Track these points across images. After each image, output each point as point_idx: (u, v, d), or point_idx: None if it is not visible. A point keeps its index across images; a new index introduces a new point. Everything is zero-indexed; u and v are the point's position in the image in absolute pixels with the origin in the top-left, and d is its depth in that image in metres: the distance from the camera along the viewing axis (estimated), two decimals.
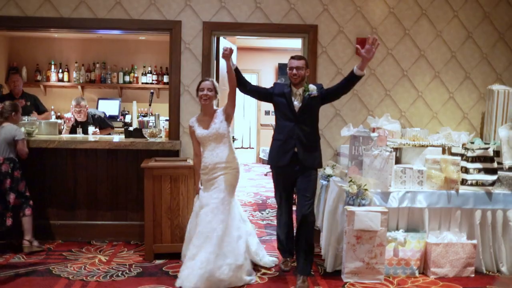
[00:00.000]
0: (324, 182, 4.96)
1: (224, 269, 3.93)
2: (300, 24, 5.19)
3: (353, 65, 5.06)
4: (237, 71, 4.21)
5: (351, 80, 4.11)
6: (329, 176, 4.88)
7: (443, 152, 4.80)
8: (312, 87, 4.16)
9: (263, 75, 11.55)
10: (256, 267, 4.42)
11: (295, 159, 4.16)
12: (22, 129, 5.09)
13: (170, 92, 5.22)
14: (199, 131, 4.24)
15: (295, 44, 6.88)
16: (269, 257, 4.59)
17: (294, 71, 4.12)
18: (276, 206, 4.62)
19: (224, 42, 5.66)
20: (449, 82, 5.40)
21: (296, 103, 4.17)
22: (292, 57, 4.18)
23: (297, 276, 4.16)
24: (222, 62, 5.58)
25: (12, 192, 4.70)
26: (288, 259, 4.56)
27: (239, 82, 4.24)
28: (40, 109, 6.50)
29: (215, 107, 4.32)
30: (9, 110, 4.89)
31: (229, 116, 4.25)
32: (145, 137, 5.23)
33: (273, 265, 4.54)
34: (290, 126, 4.17)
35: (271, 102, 4.34)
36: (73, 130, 6.10)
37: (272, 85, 4.41)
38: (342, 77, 5.13)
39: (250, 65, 11.01)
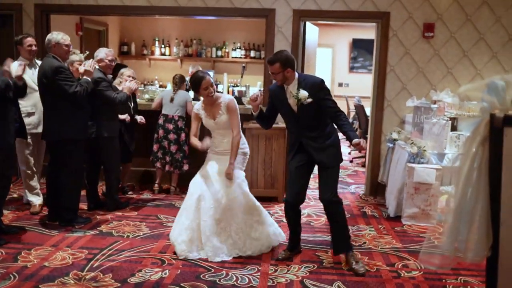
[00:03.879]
0: (390, 145, 5.96)
1: None
2: (375, 11, 6.13)
3: (420, 47, 6.12)
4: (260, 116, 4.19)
5: (342, 132, 3.96)
6: (395, 140, 5.87)
7: None
8: (303, 94, 3.89)
9: (338, 49, 12.36)
10: None
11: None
12: (146, 95, 6.44)
13: (265, 67, 6.34)
14: (206, 120, 4.38)
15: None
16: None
17: (272, 76, 3.98)
18: None
19: (309, 26, 6.71)
20: (505, 62, 6.17)
21: (291, 101, 4.00)
22: (267, 61, 4.02)
23: (346, 256, 4.14)
24: (308, 43, 6.69)
25: (187, 144, 6.02)
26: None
27: (264, 125, 4.30)
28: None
29: (217, 94, 4.39)
30: (179, 81, 6.23)
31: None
32: (243, 104, 6.42)
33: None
34: (295, 130, 4.08)
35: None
36: None
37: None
38: (410, 57, 6.15)
39: (325, 40, 11.71)
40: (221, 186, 4.24)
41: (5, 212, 4.98)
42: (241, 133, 4.43)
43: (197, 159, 6.32)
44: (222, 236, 4.23)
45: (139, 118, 5.97)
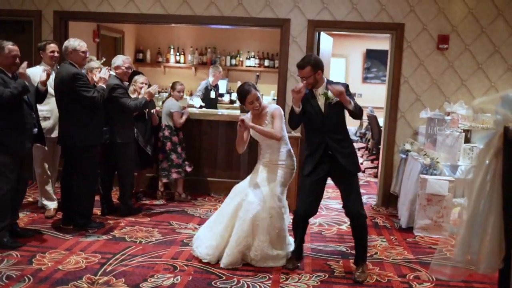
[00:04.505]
0: (403, 156, 5.96)
1: None
2: (389, 23, 6.15)
3: (434, 58, 6.13)
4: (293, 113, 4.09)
5: (349, 113, 4.01)
6: (408, 151, 5.86)
7: None
8: (332, 94, 3.95)
9: (351, 59, 12.38)
10: None
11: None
12: (161, 102, 6.51)
13: (279, 77, 6.40)
14: (253, 131, 4.34)
15: None
16: None
17: (304, 80, 4.01)
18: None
19: (323, 36, 6.75)
20: None
21: (320, 103, 4.04)
22: (297, 66, 4.05)
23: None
24: (322, 53, 6.72)
25: (174, 152, 6.06)
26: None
27: (295, 124, 4.20)
28: None
29: (264, 104, 4.36)
30: (171, 89, 6.24)
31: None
32: None
33: None
34: (321, 132, 4.04)
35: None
36: None
37: None
38: (423, 68, 6.16)
39: (338, 50, 11.69)
40: (260, 199, 4.22)
41: (20, 215, 5.05)
42: (289, 145, 4.40)
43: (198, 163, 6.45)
44: (243, 250, 4.21)
45: (154, 111, 6.04)
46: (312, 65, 3.95)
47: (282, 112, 4.36)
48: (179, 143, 6.10)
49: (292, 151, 4.45)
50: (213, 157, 6.65)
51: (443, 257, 2.49)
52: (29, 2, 6.58)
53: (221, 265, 4.16)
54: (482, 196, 2.05)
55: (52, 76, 5.04)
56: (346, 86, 4.04)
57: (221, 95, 9.40)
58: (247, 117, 4.28)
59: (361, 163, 9.23)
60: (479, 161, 2.09)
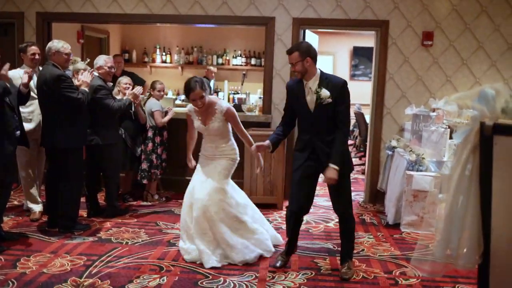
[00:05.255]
0: (390, 152, 5.97)
1: None
2: (374, 20, 6.16)
3: (419, 55, 6.16)
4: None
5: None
6: (394, 147, 5.87)
7: None
8: (325, 93, 3.70)
9: (339, 57, 12.38)
10: None
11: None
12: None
13: (264, 75, 6.38)
14: (197, 123, 4.32)
15: None
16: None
17: (292, 67, 3.84)
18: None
19: (309, 33, 6.75)
20: (504, 70, 6.18)
21: (309, 98, 3.79)
22: (286, 52, 3.85)
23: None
24: None
25: (154, 153, 6.00)
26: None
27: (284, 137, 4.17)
28: (137, 82, 7.71)
29: (212, 100, 4.31)
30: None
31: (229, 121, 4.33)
32: (243, 111, 6.45)
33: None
34: (309, 132, 3.86)
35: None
36: None
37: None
38: (409, 65, 6.18)
39: (325, 47, 11.63)
40: (206, 194, 4.22)
41: (5, 219, 5.01)
42: (232, 139, 4.43)
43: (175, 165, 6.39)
44: (211, 245, 4.22)
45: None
46: (301, 51, 3.71)
47: (235, 110, 4.36)
48: (161, 144, 6.05)
49: (234, 143, 4.43)
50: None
51: (423, 253, 2.50)
52: (10, 4, 6.50)
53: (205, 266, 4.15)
54: (460, 191, 2.06)
55: (35, 78, 4.99)
56: (344, 83, 3.77)
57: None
58: (192, 108, 4.30)
59: None
60: (457, 157, 2.11)
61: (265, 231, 4.52)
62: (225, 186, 4.30)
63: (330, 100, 3.68)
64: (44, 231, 4.93)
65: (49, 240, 4.68)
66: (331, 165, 3.70)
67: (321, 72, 3.84)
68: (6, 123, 4.35)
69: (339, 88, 3.72)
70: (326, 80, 3.76)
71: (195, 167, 4.51)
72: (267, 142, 3.97)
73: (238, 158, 4.45)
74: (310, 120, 3.82)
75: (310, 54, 3.73)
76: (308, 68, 3.74)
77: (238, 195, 4.47)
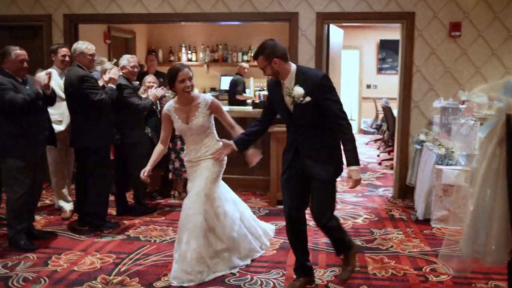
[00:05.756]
0: (418, 147, 5.87)
1: None
2: (399, 12, 6.05)
3: (446, 46, 6.02)
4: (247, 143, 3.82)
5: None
6: (423, 141, 5.77)
7: None
8: (297, 92, 3.32)
9: (365, 51, 12.25)
10: None
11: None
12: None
13: None
14: (178, 124, 3.96)
15: None
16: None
17: (263, 73, 3.47)
18: None
19: (333, 28, 6.67)
20: None
21: (287, 99, 3.44)
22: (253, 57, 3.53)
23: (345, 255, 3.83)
24: (332, 45, 6.65)
25: (183, 151, 6.05)
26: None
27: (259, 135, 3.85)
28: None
29: (194, 94, 3.99)
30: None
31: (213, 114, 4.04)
32: None
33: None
34: (292, 134, 3.55)
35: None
36: None
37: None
38: (436, 57, 6.04)
39: (351, 42, 11.49)
40: (192, 202, 3.97)
41: (37, 217, 5.13)
42: (216, 136, 4.09)
43: None
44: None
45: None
46: (265, 54, 3.32)
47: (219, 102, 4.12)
48: None
49: (217, 138, 4.08)
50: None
51: (451, 249, 2.44)
52: (38, 7, 6.64)
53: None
54: (486, 185, 2.00)
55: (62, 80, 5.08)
56: (322, 76, 3.39)
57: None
58: (172, 108, 3.94)
59: (378, 155, 9.16)
60: (482, 150, 2.05)
61: (251, 239, 4.29)
62: (214, 194, 4.00)
63: (308, 98, 3.31)
64: (74, 229, 5.02)
65: (79, 238, 4.77)
66: (350, 168, 3.38)
67: (298, 68, 3.44)
68: (37, 124, 4.45)
69: (317, 83, 3.32)
70: (303, 76, 3.38)
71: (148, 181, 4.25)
72: (230, 141, 3.78)
73: (225, 158, 4.06)
74: (292, 120, 3.49)
75: (276, 54, 3.32)
76: (279, 68, 3.35)
77: (227, 203, 4.16)
